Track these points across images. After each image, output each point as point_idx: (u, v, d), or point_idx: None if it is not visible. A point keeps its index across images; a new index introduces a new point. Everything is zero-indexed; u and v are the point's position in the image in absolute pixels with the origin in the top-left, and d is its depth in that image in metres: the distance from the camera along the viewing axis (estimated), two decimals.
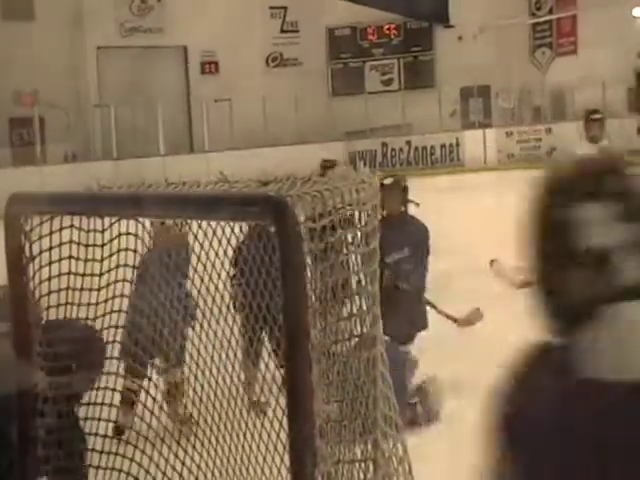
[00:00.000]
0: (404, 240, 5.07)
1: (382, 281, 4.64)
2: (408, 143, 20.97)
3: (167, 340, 2.59)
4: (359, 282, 2.02)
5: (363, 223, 2.06)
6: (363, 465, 1.82)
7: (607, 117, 19.28)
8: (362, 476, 1.79)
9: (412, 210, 5.46)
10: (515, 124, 20.87)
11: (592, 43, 19.96)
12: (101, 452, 2.33)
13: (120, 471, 2.32)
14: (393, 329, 4.85)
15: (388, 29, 23.28)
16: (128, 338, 2.61)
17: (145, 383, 2.85)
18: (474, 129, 20.87)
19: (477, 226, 10.83)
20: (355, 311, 1.98)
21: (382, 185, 4.86)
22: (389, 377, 1.95)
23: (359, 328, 1.94)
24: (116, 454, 2.34)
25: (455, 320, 5.38)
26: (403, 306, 4.85)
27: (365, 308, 1.99)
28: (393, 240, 4.83)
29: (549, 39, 21.90)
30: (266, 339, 2.70)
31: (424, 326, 5.27)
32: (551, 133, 19.81)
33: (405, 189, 5.28)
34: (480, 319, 5.50)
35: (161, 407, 2.69)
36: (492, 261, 5.30)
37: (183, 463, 2.36)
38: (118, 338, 2.36)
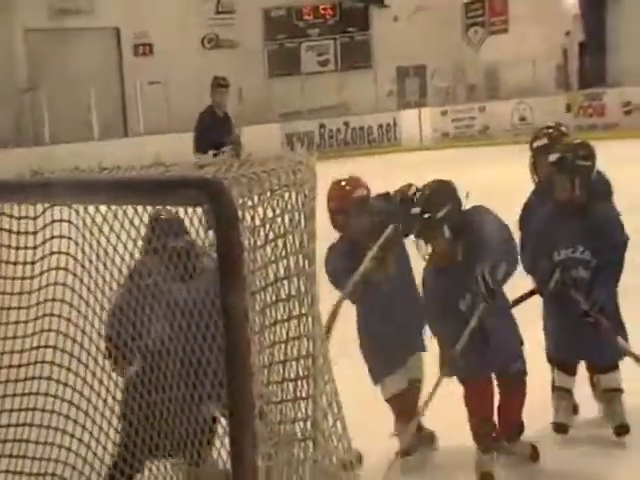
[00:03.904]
0: (579, 235, 3.91)
1: (549, 283, 3.81)
2: (346, 124, 20.97)
3: None
4: (297, 263, 2.03)
5: (300, 204, 2.06)
6: (303, 444, 1.83)
7: (537, 95, 19.63)
8: (302, 455, 1.80)
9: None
10: (450, 103, 21.04)
11: (523, 22, 20.22)
12: None
13: None
14: (556, 343, 3.93)
15: (324, 9, 23.19)
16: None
17: None
18: (410, 108, 20.97)
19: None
20: (294, 292, 1.98)
21: (552, 163, 4.00)
22: (328, 357, 1.97)
23: (298, 309, 1.95)
24: None
25: None
26: (570, 321, 3.87)
27: (303, 289, 1.99)
28: (563, 233, 3.92)
29: (481, 18, 22.08)
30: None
31: (601, 358, 3.94)
32: (484, 112, 20.03)
33: (582, 168, 3.95)
34: None
35: None
36: None
37: None
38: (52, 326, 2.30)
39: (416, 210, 3.69)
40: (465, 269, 3.60)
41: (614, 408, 3.96)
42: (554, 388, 4.07)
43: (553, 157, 4.02)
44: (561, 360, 4.07)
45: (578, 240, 3.93)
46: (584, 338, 3.88)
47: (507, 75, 20.62)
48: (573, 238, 3.93)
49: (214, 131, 8.36)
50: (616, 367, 3.98)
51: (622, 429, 3.92)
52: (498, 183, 11.57)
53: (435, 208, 3.66)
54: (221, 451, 2.03)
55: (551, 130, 4.51)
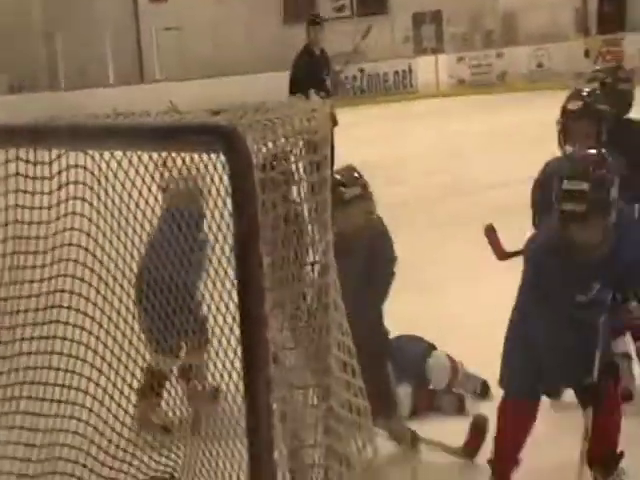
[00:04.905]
0: None
1: None
2: (361, 71, 20.76)
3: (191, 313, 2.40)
4: (311, 211, 2.03)
5: (314, 151, 2.06)
6: (317, 390, 1.85)
7: (555, 40, 19.26)
8: (315, 401, 1.83)
9: None
10: (467, 49, 20.77)
11: None
12: None
13: None
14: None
15: None
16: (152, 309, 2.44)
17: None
18: (426, 55, 20.72)
19: (432, 152, 10.86)
20: (307, 240, 1.99)
21: (567, 111, 3.70)
22: (342, 304, 1.98)
23: (312, 256, 1.96)
24: None
25: None
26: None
27: (317, 236, 2.00)
28: None
29: None
30: None
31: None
32: (502, 57, 19.76)
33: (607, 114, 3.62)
34: None
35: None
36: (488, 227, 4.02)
37: None
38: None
39: (577, 185, 2.82)
40: (598, 267, 2.97)
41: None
42: None
43: (574, 105, 3.74)
44: None
45: None
46: None
47: (525, 20, 20.31)
48: None
49: (313, 70, 8.23)
50: None
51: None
52: (515, 129, 11.48)
53: (607, 185, 2.84)
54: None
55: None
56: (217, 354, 2.14)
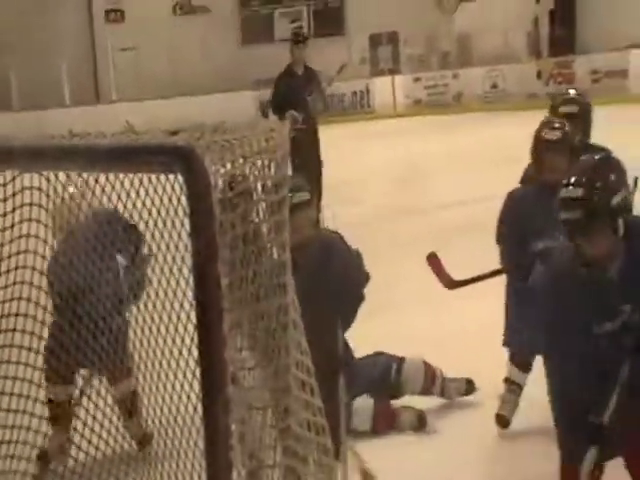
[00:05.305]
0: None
1: (527, 277, 3.40)
2: None
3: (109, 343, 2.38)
4: (270, 231, 2.03)
5: (272, 172, 2.06)
6: (275, 410, 1.85)
7: (509, 62, 19.73)
8: (274, 422, 1.82)
9: None
10: (423, 70, 21.01)
11: None
12: None
13: None
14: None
15: None
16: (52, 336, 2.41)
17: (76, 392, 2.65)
18: (383, 76, 20.92)
19: (390, 172, 10.93)
20: (265, 260, 1.99)
21: (543, 141, 3.76)
22: (301, 323, 1.98)
23: (270, 276, 1.96)
24: None
25: None
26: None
27: (276, 256, 2.00)
28: (546, 221, 3.41)
29: None
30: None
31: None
32: (457, 78, 20.03)
33: (577, 148, 3.70)
34: None
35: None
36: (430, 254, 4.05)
37: None
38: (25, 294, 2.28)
39: (572, 193, 2.61)
40: (621, 287, 2.67)
41: None
42: (505, 380, 3.97)
43: (552, 135, 3.77)
44: (515, 353, 3.94)
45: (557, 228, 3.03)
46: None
47: (480, 42, 20.63)
48: (554, 225, 3.05)
49: (293, 91, 8.12)
50: None
51: None
52: (472, 149, 11.61)
53: (608, 192, 2.62)
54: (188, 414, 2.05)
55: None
56: (175, 376, 2.12)
